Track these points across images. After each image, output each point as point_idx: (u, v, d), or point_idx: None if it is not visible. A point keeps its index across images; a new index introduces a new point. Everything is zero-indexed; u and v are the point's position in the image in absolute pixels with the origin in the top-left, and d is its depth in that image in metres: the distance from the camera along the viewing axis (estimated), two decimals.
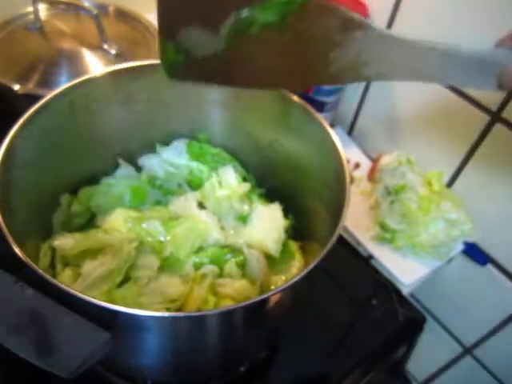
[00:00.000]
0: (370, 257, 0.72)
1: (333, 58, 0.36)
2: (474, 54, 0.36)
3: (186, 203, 0.60)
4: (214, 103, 0.60)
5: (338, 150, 0.48)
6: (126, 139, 0.61)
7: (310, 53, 0.36)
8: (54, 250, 0.53)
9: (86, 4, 0.74)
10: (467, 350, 0.83)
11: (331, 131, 0.50)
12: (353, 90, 0.84)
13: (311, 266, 0.39)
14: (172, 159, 0.64)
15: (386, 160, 0.76)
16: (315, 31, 0.34)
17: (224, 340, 0.45)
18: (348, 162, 0.46)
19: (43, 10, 0.74)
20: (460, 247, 0.71)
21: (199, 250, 0.56)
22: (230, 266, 0.54)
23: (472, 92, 0.65)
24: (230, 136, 0.64)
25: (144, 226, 0.56)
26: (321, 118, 0.51)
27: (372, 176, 0.77)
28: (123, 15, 0.78)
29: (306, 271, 0.38)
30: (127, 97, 0.57)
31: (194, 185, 0.64)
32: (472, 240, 0.71)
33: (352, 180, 0.78)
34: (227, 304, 0.50)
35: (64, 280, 0.50)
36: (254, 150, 0.62)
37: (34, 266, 0.36)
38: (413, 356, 0.79)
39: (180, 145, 0.64)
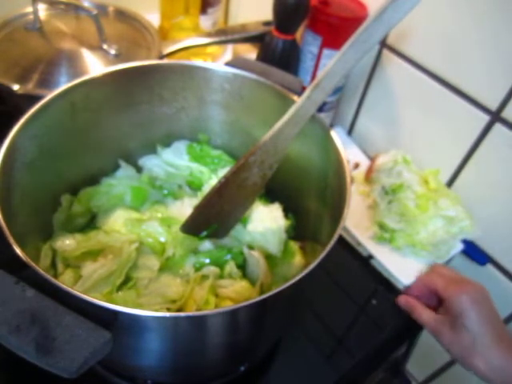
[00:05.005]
0: (370, 257, 0.72)
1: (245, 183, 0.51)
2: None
3: (182, 208, 0.60)
4: (214, 103, 0.60)
5: (339, 150, 0.48)
6: (126, 139, 0.61)
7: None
8: (54, 250, 0.53)
9: (86, 4, 0.74)
10: None
11: (331, 131, 0.50)
12: (353, 90, 0.84)
13: (312, 266, 0.39)
14: (172, 160, 0.64)
15: (381, 160, 0.76)
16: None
17: (224, 340, 0.45)
18: (348, 162, 0.46)
19: (43, 10, 0.74)
20: (460, 246, 0.71)
21: (198, 250, 0.56)
22: (230, 266, 0.54)
23: (472, 92, 0.65)
24: (230, 136, 0.64)
25: (144, 227, 0.56)
26: (321, 117, 0.51)
27: (369, 176, 0.77)
28: (123, 15, 0.78)
29: (306, 271, 0.38)
30: (127, 97, 0.57)
31: (194, 186, 0.65)
32: (471, 237, 0.71)
33: (352, 180, 0.78)
34: (228, 305, 0.50)
35: (65, 281, 0.50)
36: None
37: (35, 266, 0.36)
38: (413, 356, 0.79)
39: (180, 146, 0.64)
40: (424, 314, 0.60)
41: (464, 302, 0.55)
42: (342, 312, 0.67)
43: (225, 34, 0.79)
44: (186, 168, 0.64)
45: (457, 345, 0.56)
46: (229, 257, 0.56)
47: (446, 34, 0.65)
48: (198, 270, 0.54)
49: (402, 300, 0.64)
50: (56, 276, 0.51)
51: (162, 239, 0.56)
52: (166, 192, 0.64)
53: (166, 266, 0.54)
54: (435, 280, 0.60)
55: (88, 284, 0.49)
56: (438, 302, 0.61)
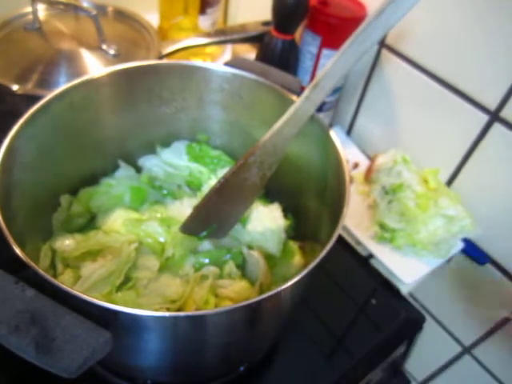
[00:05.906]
0: (370, 256, 0.72)
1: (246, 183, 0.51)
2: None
3: (181, 208, 0.60)
4: (213, 103, 0.60)
5: (338, 150, 0.48)
6: (125, 139, 0.61)
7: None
8: (54, 250, 0.53)
9: (85, 4, 0.74)
10: (466, 350, 0.83)
11: (331, 131, 0.50)
12: (352, 90, 0.84)
13: (311, 265, 0.39)
14: (172, 160, 0.64)
15: (381, 160, 0.76)
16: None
17: (224, 340, 0.45)
18: (347, 161, 0.46)
19: (42, 10, 0.74)
20: (460, 245, 0.71)
21: (198, 250, 0.56)
22: (230, 266, 0.54)
23: (470, 91, 0.65)
24: (229, 136, 0.64)
25: (143, 227, 0.56)
26: (320, 117, 0.51)
27: (368, 176, 0.77)
28: (122, 16, 0.78)
29: (306, 271, 0.38)
30: (126, 97, 0.57)
31: (194, 186, 0.65)
32: (472, 236, 0.71)
33: (351, 180, 0.78)
34: (227, 305, 0.50)
35: (64, 281, 0.50)
36: None
37: (34, 266, 0.36)
38: (412, 355, 0.79)
39: (180, 146, 0.64)
40: None
41: None
42: (342, 312, 0.67)
43: (224, 34, 0.79)
44: (185, 168, 0.64)
45: None
46: (228, 257, 0.56)
47: (444, 34, 0.66)
48: (197, 270, 0.54)
49: None
50: (55, 276, 0.51)
51: (162, 239, 0.56)
52: (165, 192, 0.64)
53: (166, 266, 0.54)
54: None
55: (87, 284, 0.49)
56: None
